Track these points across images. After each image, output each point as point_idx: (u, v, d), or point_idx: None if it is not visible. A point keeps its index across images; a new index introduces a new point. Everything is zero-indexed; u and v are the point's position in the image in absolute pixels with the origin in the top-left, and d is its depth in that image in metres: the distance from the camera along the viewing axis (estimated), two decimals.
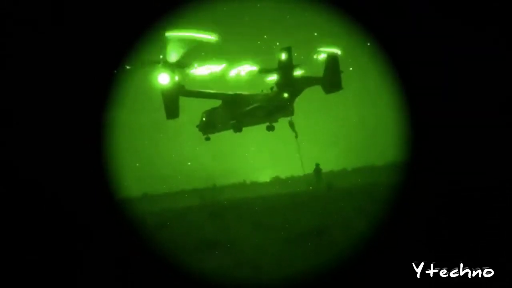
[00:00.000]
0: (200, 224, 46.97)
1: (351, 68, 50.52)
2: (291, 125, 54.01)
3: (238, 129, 53.24)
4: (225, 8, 52.45)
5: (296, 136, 54.16)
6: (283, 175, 60.30)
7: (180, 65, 49.00)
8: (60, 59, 34.43)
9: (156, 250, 34.49)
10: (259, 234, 42.13)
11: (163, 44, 47.49)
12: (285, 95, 50.86)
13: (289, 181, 59.27)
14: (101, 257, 32.45)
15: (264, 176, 60.95)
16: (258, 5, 55.52)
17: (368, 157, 57.67)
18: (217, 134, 55.03)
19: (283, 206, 51.89)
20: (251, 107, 52.20)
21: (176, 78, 49.30)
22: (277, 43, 51.00)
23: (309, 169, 58.06)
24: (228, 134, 54.49)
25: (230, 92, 52.64)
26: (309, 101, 52.03)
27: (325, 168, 58.60)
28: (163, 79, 48.94)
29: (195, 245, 38.54)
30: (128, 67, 43.50)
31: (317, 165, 55.93)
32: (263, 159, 59.22)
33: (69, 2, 34.15)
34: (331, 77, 49.93)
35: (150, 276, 31.41)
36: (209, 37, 48.07)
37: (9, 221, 31.74)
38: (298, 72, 50.25)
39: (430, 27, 32.88)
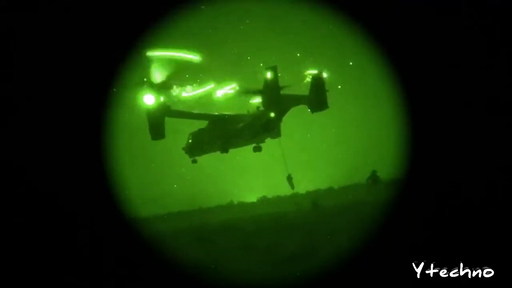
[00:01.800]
0: (188, 247, 46.45)
1: (340, 86, 50.79)
2: (289, 179, 54.23)
3: (224, 150, 52.78)
4: (210, 25, 52.61)
5: (293, 188, 54.59)
6: (270, 194, 60.08)
7: (165, 86, 48.63)
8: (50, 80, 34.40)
9: (148, 270, 34.11)
10: (248, 256, 41.78)
11: (146, 64, 47.26)
12: (271, 114, 50.62)
13: (276, 201, 59.04)
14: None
15: (251, 196, 60.62)
16: (246, 21, 55.77)
17: (355, 175, 57.67)
18: (203, 156, 54.63)
19: (271, 227, 51.54)
20: (237, 127, 51.91)
21: (162, 98, 48.82)
22: (263, 63, 51.11)
23: (295, 189, 58.07)
24: (214, 154, 54.15)
25: (217, 113, 52.36)
26: (295, 118, 52.05)
27: (312, 187, 58.56)
28: (148, 99, 48.42)
29: (186, 267, 38.14)
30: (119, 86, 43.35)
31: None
32: (250, 179, 58.97)
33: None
34: (317, 96, 49.85)
35: (146, 279, 31.04)
36: (191, 56, 47.99)
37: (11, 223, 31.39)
38: (284, 91, 50.30)
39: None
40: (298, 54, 53.19)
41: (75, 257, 32.10)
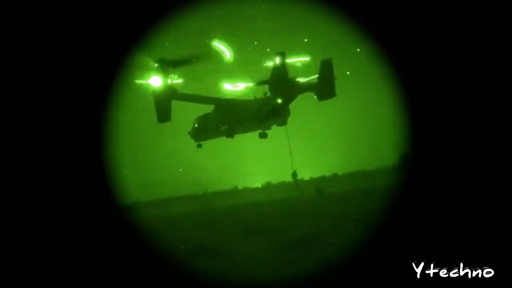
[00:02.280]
0: (193, 231, 46.70)
1: (348, 72, 50.58)
2: (294, 176, 54.29)
3: (230, 135, 52.56)
4: (221, 14, 52.45)
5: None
6: (274, 180, 60.18)
7: (175, 65, 48.24)
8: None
9: (152, 256, 34.38)
10: (251, 241, 42.02)
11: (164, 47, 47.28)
12: (278, 100, 50.31)
13: (281, 187, 59.21)
14: (100, 258, 32.35)
15: (256, 182, 60.78)
16: (252, 9, 55.56)
17: (360, 162, 57.79)
18: (209, 141, 54.62)
19: (275, 212, 51.75)
20: (243, 112, 51.61)
21: (169, 81, 48.53)
22: (271, 48, 50.90)
23: (299, 175, 58.26)
24: (220, 140, 54.13)
25: (223, 97, 52.08)
26: (301, 107, 51.93)
27: (317, 174, 58.70)
28: (156, 81, 48.13)
29: (190, 251, 38.41)
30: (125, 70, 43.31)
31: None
32: (255, 165, 59.07)
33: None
34: (325, 84, 49.28)
35: (147, 279, 31.30)
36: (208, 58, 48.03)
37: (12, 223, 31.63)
38: (292, 78, 50.13)
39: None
40: (306, 40, 53.06)
41: (75, 257, 32.33)
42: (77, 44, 34.08)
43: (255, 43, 53.44)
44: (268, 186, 60.40)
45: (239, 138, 53.73)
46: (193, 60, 48.21)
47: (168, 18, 40.15)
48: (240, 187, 60.73)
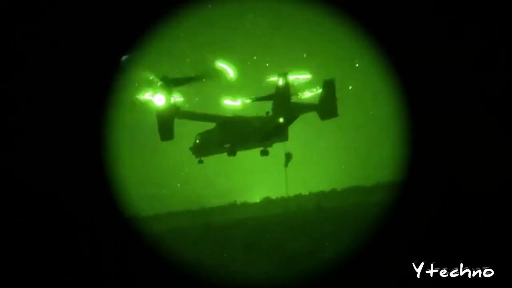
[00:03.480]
0: (192, 246, 46.45)
1: (350, 87, 50.94)
2: (288, 156, 54.09)
3: (232, 152, 52.86)
4: (218, 28, 52.81)
5: (286, 166, 54.32)
6: (273, 195, 60.08)
7: (177, 84, 48.61)
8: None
9: (148, 270, 34.16)
10: (249, 256, 41.80)
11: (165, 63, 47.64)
12: (281, 120, 50.78)
13: (279, 202, 59.11)
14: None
15: (255, 197, 60.65)
16: (253, 26, 55.90)
17: (358, 177, 57.74)
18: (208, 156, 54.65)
19: (274, 227, 51.49)
20: (246, 131, 51.95)
21: (172, 99, 48.90)
22: (272, 66, 51.32)
23: (298, 190, 58.44)
24: (219, 155, 54.18)
25: (225, 115, 52.47)
26: (299, 121, 52.09)
27: (315, 188, 58.62)
28: (159, 100, 48.51)
29: (186, 265, 38.17)
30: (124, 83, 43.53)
31: (289, 152, 55.60)
32: (254, 180, 59.00)
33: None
34: (327, 104, 50.04)
35: None
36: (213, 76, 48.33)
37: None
38: (294, 98, 50.61)
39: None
40: (306, 57, 53.32)
41: (75, 257, 32.15)
42: (77, 45, 34.21)
43: (254, 56, 53.68)
44: (267, 201, 60.32)
45: (238, 153, 53.76)
46: (196, 79, 48.61)
47: (169, 27, 40.39)
48: (238, 202, 60.62)
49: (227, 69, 49.25)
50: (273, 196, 59.58)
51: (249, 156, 53.96)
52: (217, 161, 54.13)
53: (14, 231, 31.41)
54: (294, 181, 56.44)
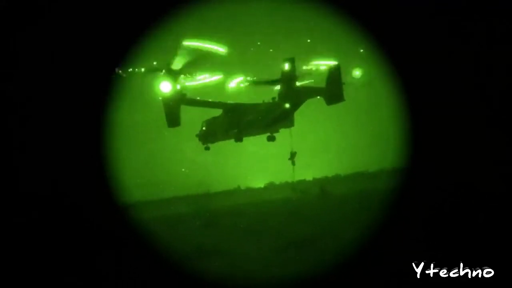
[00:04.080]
0: (195, 231, 46.76)
1: (357, 72, 50.86)
2: (293, 156, 54.44)
3: (239, 139, 53.18)
4: (228, 15, 52.64)
5: (293, 165, 54.75)
6: (277, 181, 60.28)
7: (183, 73, 48.95)
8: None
9: (152, 256, 34.42)
10: (253, 241, 42.06)
11: (170, 51, 47.70)
12: (287, 105, 50.97)
13: (284, 187, 59.32)
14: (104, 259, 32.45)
15: (259, 182, 60.86)
16: (261, 11, 55.62)
17: (362, 163, 57.83)
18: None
19: (277, 212, 51.73)
20: (252, 117, 52.20)
21: (178, 86, 49.22)
22: (280, 52, 51.31)
23: (302, 176, 58.48)
24: (224, 141, 54.41)
25: (232, 102, 52.61)
26: (304, 107, 52.14)
27: (319, 174, 58.74)
28: (165, 87, 48.86)
29: (191, 251, 38.46)
30: (128, 72, 43.65)
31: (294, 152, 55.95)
32: (258, 164, 59.13)
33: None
34: (333, 89, 50.09)
35: (148, 279, 31.33)
36: (219, 48, 48.34)
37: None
38: (300, 83, 50.59)
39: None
40: (312, 43, 53.25)
41: (76, 249, 32.39)
42: (78, 44, 34.21)
43: (258, 42, 53.53)
44: (271, 186, 60.58)
45: (243, 139, 53.96)
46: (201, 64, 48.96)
47: (169, 21, 40.36)
48: (242, 187, 60.89)
49: (217, 48, 49.25)
50: (277, 181, 59.90)
51: (253, 142, 54.16)
52: (222, 147, 54.38)
53: (14, 232, 31.65)
54: (298, 167, 56.55)
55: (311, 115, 53.94)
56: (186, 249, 38.83)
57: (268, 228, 45.77)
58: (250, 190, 60.60)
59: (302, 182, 58.94)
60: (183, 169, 58.28)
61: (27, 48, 33.26)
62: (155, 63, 47.98)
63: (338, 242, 37.34)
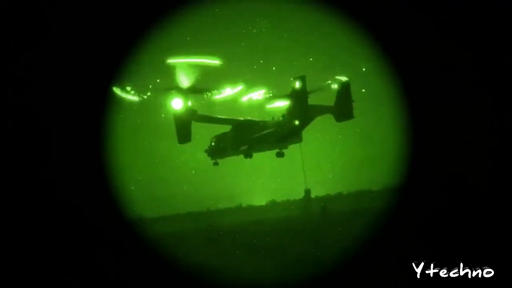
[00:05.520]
0: (196, 248, 46.50)
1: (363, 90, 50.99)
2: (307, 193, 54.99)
3: (248, 155, 53.33)
4: (235, 30, 53.08)
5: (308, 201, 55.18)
6: (279, 198, 60.18)
7: (193, 91, 49.36)
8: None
9: (154, 272, 34.25)
10: (254, 259, 41.81)
11: (173, 71, 48.07)
12: (297, 123, 51.01)
13: (285, 205, 59.17)
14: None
15: (260, 199, 60.72)
16: (268, 27, 55.93)
17: (364, 181, 57.70)
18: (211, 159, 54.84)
19: (279, 230, 51.47)
20: (262, 133, 52.28)
21: (189, 103, 49.65)
22: (290, 71, 51.60)
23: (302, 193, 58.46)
24: (227, 158, 54.47)
25: (242, 118, 52.84)
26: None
27: (321, 192, 58.53)
28: (176, 104, 49.27)
29: (192, 268, 38.26)
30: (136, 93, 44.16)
31: (308, 189, 56.10)
32: (260, 182, 59.07)
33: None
34: (343, 106, 49.83)
35: None
36: (211, 61, 48.63)
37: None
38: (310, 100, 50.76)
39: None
40: (322, 59, 53.58)
41: (78, 257, 32.27)
42: (79, 46, 34.41)
43: (268, 59, 53.92)
44: (272, 204, 60.39)
45: (244, 157, 53.97)
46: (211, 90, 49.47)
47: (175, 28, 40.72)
48: (244, 205, 60.69)
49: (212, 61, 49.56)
50: (279, 199, 59.78)
51: (255, 160, 54.10)
52: (224, 164, 54.34)
53: (14, 232, 31.60)
54: (300, 185, 56.53)
55: (313, 134, 53.98)
56: (187, 265, 38.60)
57: (270, 245, 45.53)
58: (251, 208, 60.49)
59: (303, 199, 58.76)
60: (184, 187, 58.28)
61: (27, 48, 33.50)
62: (162, 81, 48.41)
63: (339, 259, 37.10)
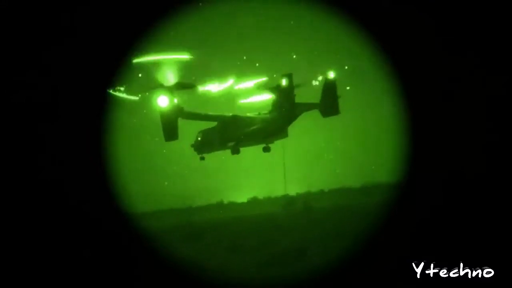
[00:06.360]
0: (176, 245, 46.22)
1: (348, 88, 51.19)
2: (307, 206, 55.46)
3: (236, 150, 53.35)
4: (215, 25, 52.88)
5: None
6: (260, 195, 60.06)
7: (178, 87, 49.04)
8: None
9: (135, 268, 33.90)
10: (234, 256, 41.68)
11: (156, 68, 47.77)
12: (283, 119, 51.44)
13: (266, 202, 59.15)
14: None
15: (242, 196, 60.54)
16: (256, 19, 55.78)
17: (346, 178, 57.93)
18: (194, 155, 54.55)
19: (260, 227, 51.38)
20: (249, 129, 52.30)
21: (175, 100, 49.31)
22: (270, 63, 51.67)
23: (287, 191, 58.58)
24: (207, 154, 54.18)
25: (229, 114, 52.78)
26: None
27: (303, 189, 58.69)
28: (162, 101, 48.87)
29: (173, 264, 37.92)
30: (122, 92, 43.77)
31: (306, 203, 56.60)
32: (241, 179, 58.86)
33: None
34: (328, 102, 50.35)
35: None
36: (181, 56, 48.38)
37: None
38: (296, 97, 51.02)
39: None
40: (303, 54, 53.62)
41: (70, 255, 31.85)
42: (78, 45, 33.96)
43: (255, 56, 53.79)
44: (254, 201, 60.33)
45: (226, 152, 53.84)
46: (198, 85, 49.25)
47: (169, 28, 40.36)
48: (225, 202, 60.56)
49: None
50: (260, 196, 59.70)
51: (237, 157, 53.94)
52: (206, 161, 54.13)
53: (14, 232, 31.11)
54: (281, 182, 56.58)
55: (296, 131, 53.94)
56: (168, 262, 38.26)
57: (250, 242, 45.42)
58: (233, 205, 60.37)
59: (285, 197, 58.84)
60: (165, 183, 57.93)
61: (27, 48, 32.97)
62: (148, 79, 48.02)
63: (323, 255, 37.07)
